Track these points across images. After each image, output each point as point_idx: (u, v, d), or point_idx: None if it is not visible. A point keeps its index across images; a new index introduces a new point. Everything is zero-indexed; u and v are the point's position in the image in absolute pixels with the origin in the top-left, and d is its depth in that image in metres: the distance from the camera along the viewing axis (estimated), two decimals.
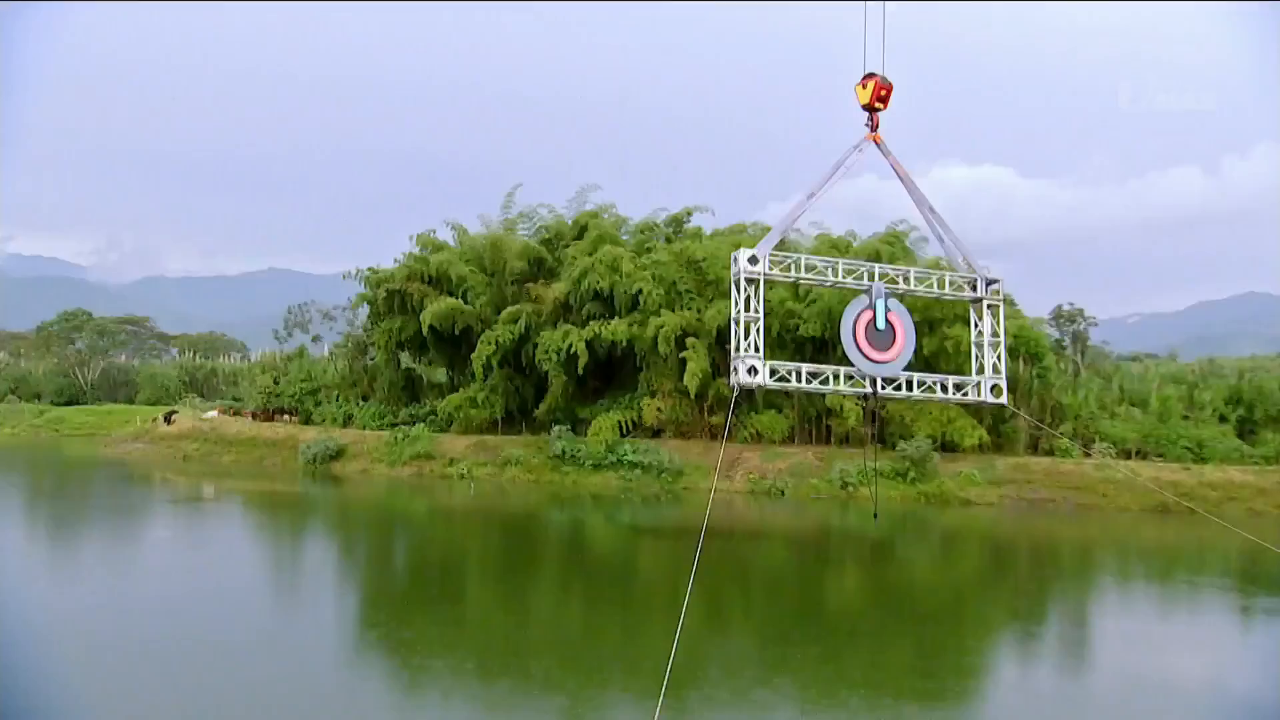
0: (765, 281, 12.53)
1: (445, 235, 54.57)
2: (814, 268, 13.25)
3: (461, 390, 49.44)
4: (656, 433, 45.55)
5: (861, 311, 12.57)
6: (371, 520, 36.82)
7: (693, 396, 43.47)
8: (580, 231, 50.96)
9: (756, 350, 12.17)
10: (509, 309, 47.89)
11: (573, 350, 44.09)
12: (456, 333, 49.38)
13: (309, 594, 23.61)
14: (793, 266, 12.97)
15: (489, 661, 17.21)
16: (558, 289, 47.31)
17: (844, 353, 12.58)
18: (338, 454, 47.44)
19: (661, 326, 43.08)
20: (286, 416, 55.68)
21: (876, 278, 13.00)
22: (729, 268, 13.18)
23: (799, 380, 12.85)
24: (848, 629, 20.62)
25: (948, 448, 40.51)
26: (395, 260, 52.65)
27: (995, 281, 13.40)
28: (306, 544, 32.38)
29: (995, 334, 13.39)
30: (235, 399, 66.34)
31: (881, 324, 12.49)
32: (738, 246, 13.41)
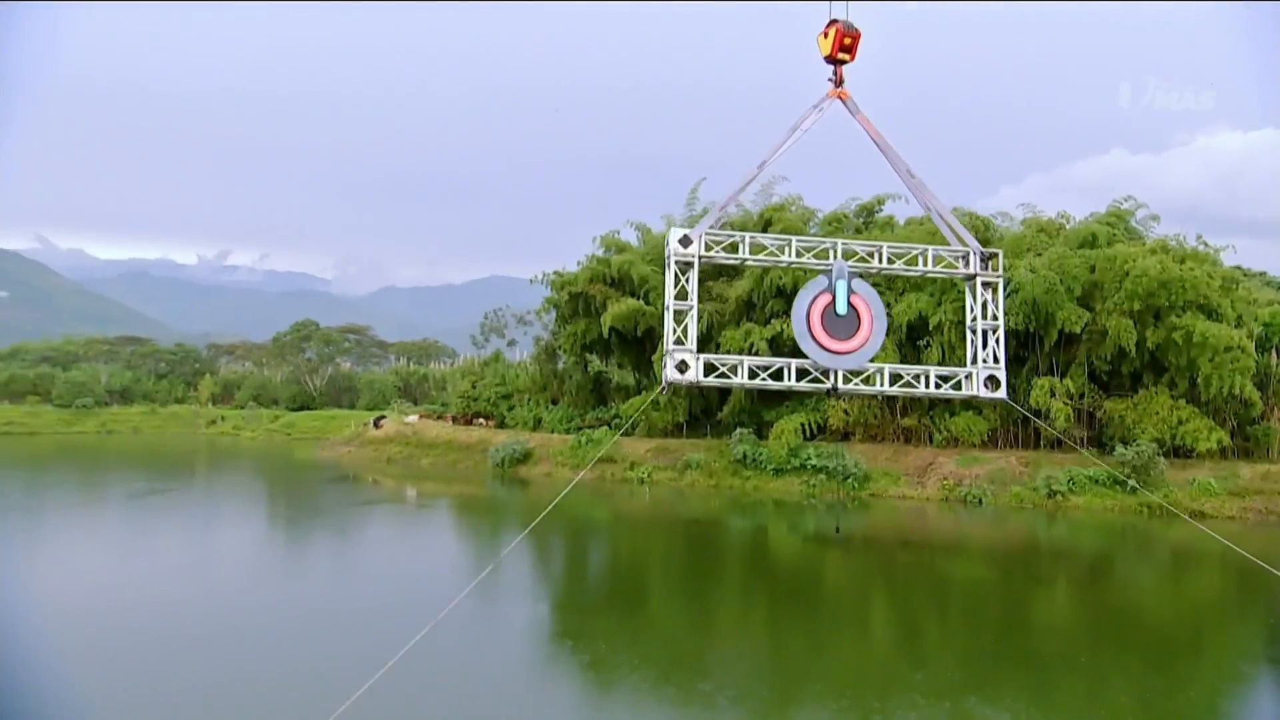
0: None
1: (629, 235, 54.35)
2: (762, 247, 11.31)
3: (644, 393, 48.95)
4: (845, 435, 43.11)
5: (818, 295, 10.67)
6: (555, 526, 36.75)
7: (881, 397, 40.79)
8: (765, 226, 49.25)
9: (689, 342, 10.72)
10: None
11: (755, 350, 42.47)
12: (639, 334, 48.88)
13: (502, 599, 23.33)
14: (739, 246, 11.14)
15: (676, 672, 16.57)
16: (740, 287, 45.84)
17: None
18: (524, 458, 48.11)
19: None
20: (482, 420, 57.38)
21: (839, 255, 11.01)
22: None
23: (742, 376, 10.99)
24: (1059, 659, 17.71)
25: (1179, 452, 35.51)
26: (578, 263, 52.92)
27: (993, 255, 11.08)
28: (496, 549, 32.74)
29: (994, 316, 11.10)
30: (442, 404, 69.37)
31: (842, 308, 10.55)
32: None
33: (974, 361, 11.10)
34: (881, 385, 11.04)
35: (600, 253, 52.79)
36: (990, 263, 11.09)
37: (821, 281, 10.67)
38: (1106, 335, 36.74)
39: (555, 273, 53.23)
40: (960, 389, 11.12)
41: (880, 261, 11.17)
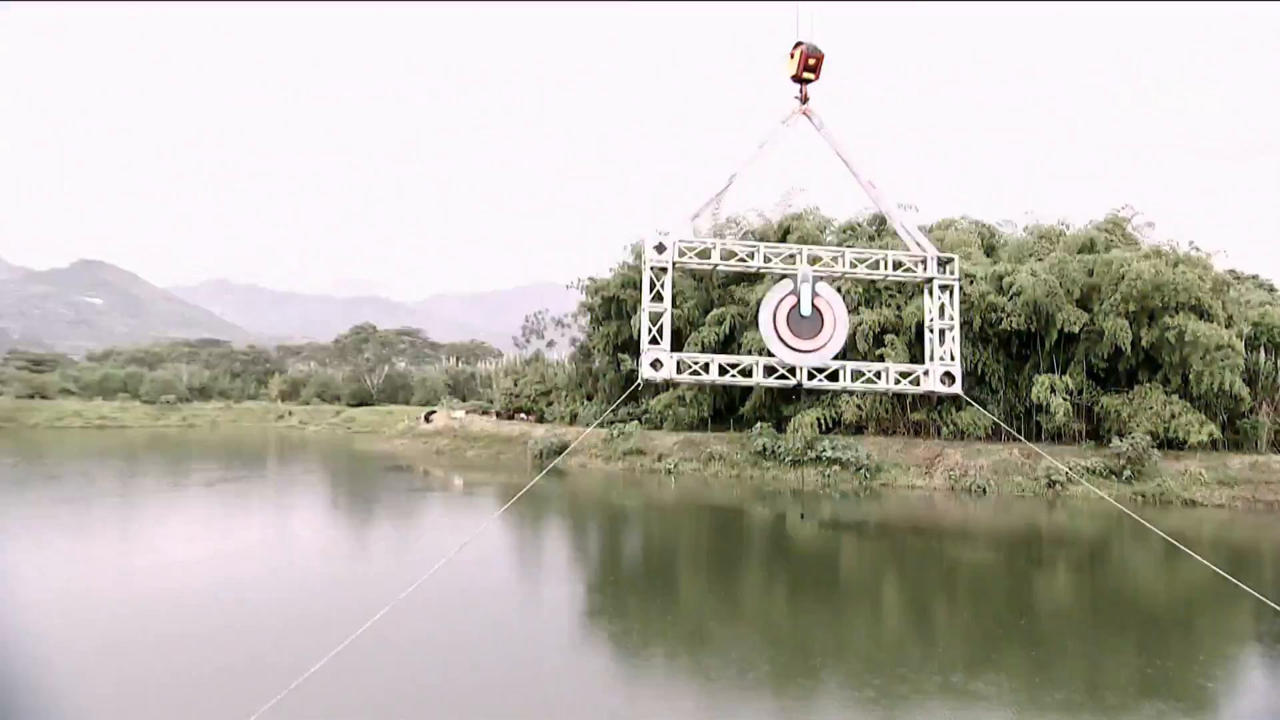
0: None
1: None
2: (733, 254, 11.41)
3: (671, 389, 49.15)
4: (858, 429, 43.02)
5: (784, 297, 10.71)
6: (590, 513, 36.96)
7: (892, 393, 40.62)
8: (783, 235, 49.22)
9: (663, 343, 10.84)
10: (715, 311, 47.03)
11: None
12: None
13: (541, 578, 23.66)
14: (712, 252, 11.25)
15: (692, 646, 16.66)
16: (761, 291, 45.94)
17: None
18: (561, 450, 48.63)
19: (860, 323, 40.62)
20: (523, 415, 57.93)
21: (805, 260, 11.07)
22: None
23: (712, 373, 11.12)
24: (1059, 636, 17.57)
25: (1171, 445, 35.03)
26: (610, 269, 53.31)
27: (949, 260, 11.10)
28: (535, 533, 33.12)
29: (951, 317, 11.10)
30: (488, 400, 70.05)
31: (807, 310, 10.60)
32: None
33: (932, 359, 11.17)
34: (844, 381, 11.14)
35: (631, 259, 53.05)
36: (946, 266, 11.16)
37: (787, 285, 10.84)
38: (1104, 335, 36.40)
39: (590, 278, 53.72)
40: (919, 384, 11.20)
41: (844, 266, 11.28)
